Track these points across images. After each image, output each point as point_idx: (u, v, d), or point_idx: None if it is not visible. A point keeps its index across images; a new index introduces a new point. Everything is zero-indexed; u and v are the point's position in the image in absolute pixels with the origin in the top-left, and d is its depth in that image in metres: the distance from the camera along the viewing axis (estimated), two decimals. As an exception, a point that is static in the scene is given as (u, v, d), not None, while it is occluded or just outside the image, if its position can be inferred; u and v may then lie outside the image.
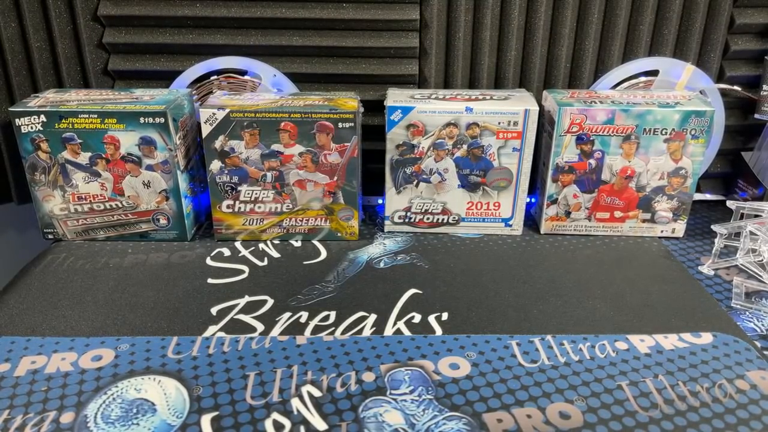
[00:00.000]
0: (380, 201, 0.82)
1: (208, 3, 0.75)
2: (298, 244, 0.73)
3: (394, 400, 0.47)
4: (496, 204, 0.74)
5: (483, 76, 0.79)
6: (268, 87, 0.78)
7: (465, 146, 0.71)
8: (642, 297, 0.62)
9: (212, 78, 0.79)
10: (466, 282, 0.65)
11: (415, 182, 0.73)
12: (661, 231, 0.74)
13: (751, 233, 0.66)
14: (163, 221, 0.72)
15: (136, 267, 0.67)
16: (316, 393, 0.48)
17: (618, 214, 0.74)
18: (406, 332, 0.56)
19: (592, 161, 0.71)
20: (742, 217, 0.70)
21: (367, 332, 0.56)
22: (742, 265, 0.67)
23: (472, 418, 0.46)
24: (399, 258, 0.70)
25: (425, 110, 0.69)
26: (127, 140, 0.67)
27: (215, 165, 0.69)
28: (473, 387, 0.49)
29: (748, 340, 0.55)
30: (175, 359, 0.52)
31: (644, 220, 0.74)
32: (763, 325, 0.58)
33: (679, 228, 0.74)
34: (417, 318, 0.58)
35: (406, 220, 0.75)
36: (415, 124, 0.70)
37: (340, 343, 0.54)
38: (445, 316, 0.59)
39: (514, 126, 0.69)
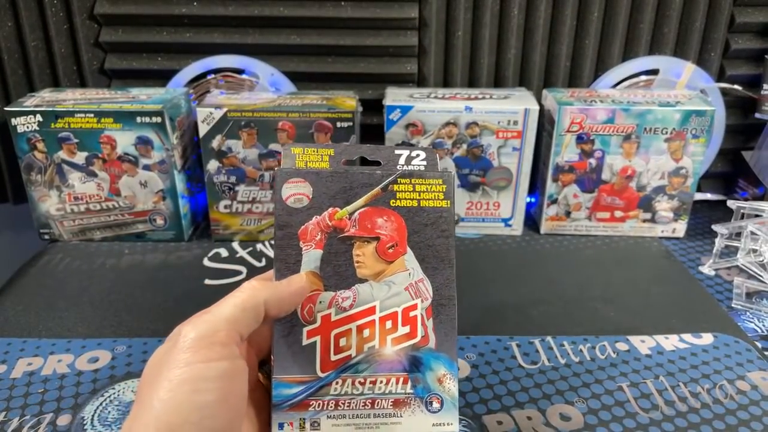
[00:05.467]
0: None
1: (205, 2, 0.75)
2: (296, 244, 0.73)
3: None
4: (496, 204, 0.73)
5: (482, 75, 0.79)
6: (266, 86, 0.78)
7: (464, 146, 0.70)
8: (642, 297, 0.62)
9: (209, 77, 0.78)
10: (465, 282, 0.64)
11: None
12: (662, 231, 0.74)
13: (752, 233, 0.66)
14: (159, 221, 0.71)
15: (133, 268, 0.67)
16: (315, 395, 0.48)
17: (618, 213, 0.73)
18: (405, 333, 0.56)
19: (593, 161, 0.71)
20: (742, 217, 0.70)
21: (366, 333, 0.56)
22: (742, 265, 0.67)
23: (471, 420, 0.46)
24: (398, 258, 0.69)
25: (424, 109, 0.69)
26: (124, 140, 0.67)
27: (212, 165, 0.69)
28: (473, 389, 0.49)
29: (748, 340, 0.55)
30: (172, 361, 0.52)
31: (645, 220, 0.74)
32: (763, 325, 0.58)
33: (680, 228, 0.74)
34: (416, 319, 0.58)
35: (405, 220, 0.75)
36: (414, 123, 0.69)
37: (338, 344, 0.54)
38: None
39: (514, 125, 0.69)
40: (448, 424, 0.37)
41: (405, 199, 0.40)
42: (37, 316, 0.58)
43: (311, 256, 0.39)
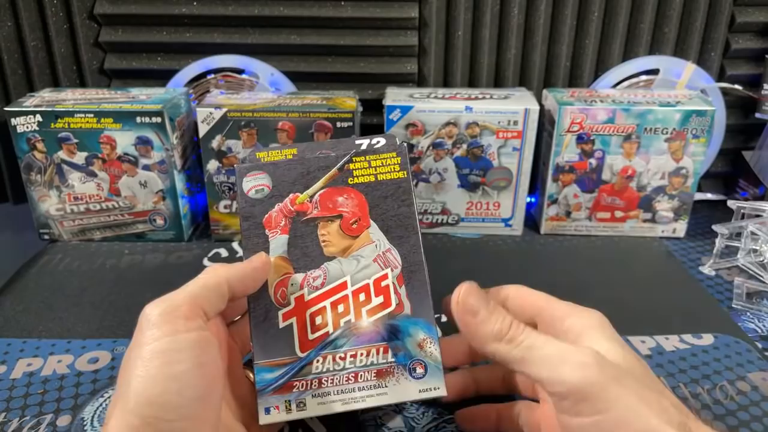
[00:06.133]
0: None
1: (205, 2, 0.75)
2: (296, 244, 0.72)
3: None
4: (496, 204, 0.73)
5: (483, 74, 0.79)
6: (266, 86, 0.78)
7: (464, 146, 0.70)
8: (642, 298, 0.62)
9: (209, 77, 0.78)
10: (465, 282, 0.64)
11: (414, 182, 0.72)
12: (662, 231, 0.74)
13: (752, 233, 0.66)
14: (159, 222, 0.71)
15: (133, 268, 0.67)
16: (315, 396, 0.48)
17: (618, 214, 0.73)
18: (406, 334, 0.56)
19: (593, 161, 0.70)
20: (743, 216, 0.70)
21: (366, 334, 0.56)
22: (743, 265, 0.67)
23: (471, 420, 0.46)
24: (398, 258, 0.69)
25: (424, 109, 0.69)
26: (124, 140, 0.67)
27: (212, 165, 0.69)
28: (473, 389, 0.49)
29: (749, 341, 0.55)
30: (172, 361, 0.52)
31: (645, 220, 0.74)
32: (764, 325, 0.58)
33: (680, 228, 0.74)
34: (416, 319, 0.58)
35: (405, 220, 0.75)
36: (414, 123, 0.69)
37: (338, 344, 0.54)
38: (444, 317, 0.58)
39: (514, 125, 0.69)
40: (434, 388, 0.38)
41: (362, 175, 0.41)
42: (37, 316, 0.58)
43: (278, 241, 0.40)
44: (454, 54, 0.78)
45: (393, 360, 0.38)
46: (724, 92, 0.79)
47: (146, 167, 0.68)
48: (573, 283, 0.64)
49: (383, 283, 0.39)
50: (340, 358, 0.38)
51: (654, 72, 0.79)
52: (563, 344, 0.34)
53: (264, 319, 0.38)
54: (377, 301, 0.39)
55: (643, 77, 0.79)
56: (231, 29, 0.76)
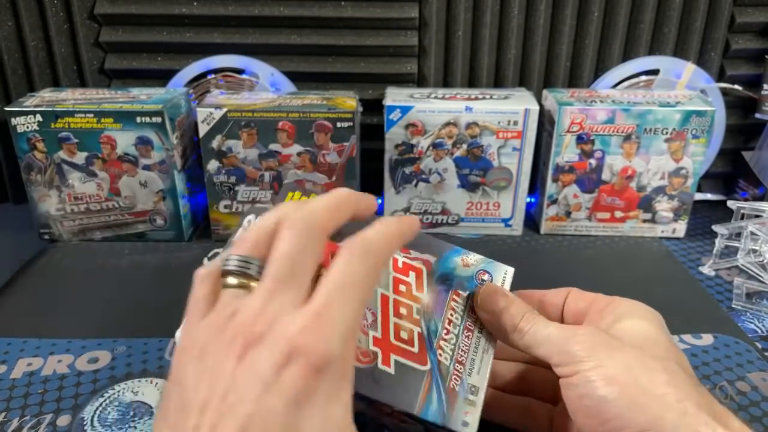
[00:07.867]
0: (379, 201, 0.82)
1: (205, 2, 0.75)
2: (296, 244, 0.72)
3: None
4: (496, 204, 0.73)
5: (483, 74, 0.79)
6: (266, 86, 0.78)
7: (464, 146, 0.70)
8: (642, 298, 0.61)
9: (209, 77, 0.78)
10: (465, 283, 0.64)
11: (414, 182, 0.72)
12: (662, 231, 0.74)
13: (752, 233, 0.66)
14: (160, 222, 0.71)
15: (133, 268, 0.67)
16: (315, 396, 0.48)
17: (618, 214, 0.73)
18: (405, 334, 0.56)
19: (593, 161, 0.70)
20: (742, 217, 0.70)
21: (366, 334, 0.56)
22: (742, 265, 0.67)
23: (471, 421, 0.46)
24: (398, 258, 0.69)
25: (424, 109, 0.69)
26: (124, 140, 0.67)
27: (212, 165, 0.69)
28: (473, 389, 0.49)
29: (748, 341, 0.55)
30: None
31: (645, 221, 0.74)
32: (763, 326, 0.58)
33: (680, 228, 0.74)
34: (416, 319, 0.58)
35: (405, 220, 0.75)
36: (414, 123, 0.69)
37: (338, 344, 0.54)
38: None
39: (514, 125, 0.69)
40: (505, 272, 0.44)
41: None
42: (37, 316, 0.58)
43: None
44: (454, 54, 0.78)
45: (468, 291, 0.41)
46: (724, 92, 0.79)
47: (146, 167, 0.68)
48: (573, 284, 0.64)
49: (399, 264, 0.40)
50: (446, 333, 0.39)
51: (654, 72, 0.79)
52: (562, 325, 0.37)
53: (376, 384, 0.36)
54: (412, 277, 0.40)
55: (643, 77, 0.79)
56: (231, 29, 0.76)
